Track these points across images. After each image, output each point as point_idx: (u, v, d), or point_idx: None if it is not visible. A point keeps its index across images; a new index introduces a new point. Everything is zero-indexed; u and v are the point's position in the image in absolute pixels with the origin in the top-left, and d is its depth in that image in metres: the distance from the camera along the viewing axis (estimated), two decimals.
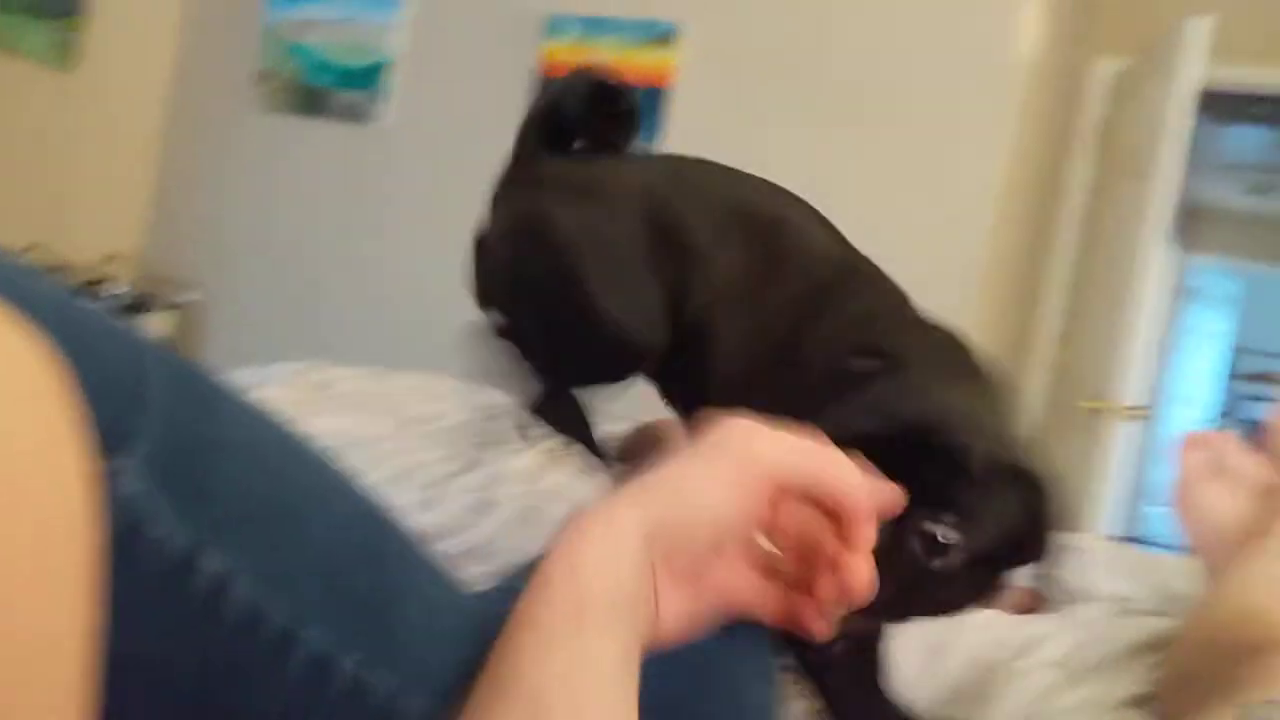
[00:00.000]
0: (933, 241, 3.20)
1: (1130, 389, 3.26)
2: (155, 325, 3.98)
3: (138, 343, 0.49)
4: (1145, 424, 7.39)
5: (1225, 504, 1.15)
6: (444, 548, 1.12)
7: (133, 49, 4.12)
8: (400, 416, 1.59)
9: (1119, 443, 3.33)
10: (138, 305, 3.93)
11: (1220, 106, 5.14)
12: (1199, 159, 6.55)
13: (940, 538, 0.68)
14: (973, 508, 0.69)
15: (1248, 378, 9.40)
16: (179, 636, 0.46)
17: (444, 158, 3.78)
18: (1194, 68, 3.11)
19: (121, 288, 3.90)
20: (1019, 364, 4.12)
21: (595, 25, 3.55)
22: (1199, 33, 3.10)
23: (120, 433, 0.44)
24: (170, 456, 0.47)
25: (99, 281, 3.88)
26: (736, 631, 0.69)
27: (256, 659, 0.48)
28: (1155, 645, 1.08)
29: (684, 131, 3.46)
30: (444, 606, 0.56)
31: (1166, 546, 1.28)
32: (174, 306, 4.07)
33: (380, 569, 0.54)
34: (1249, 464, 1.18)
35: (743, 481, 0.59)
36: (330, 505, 0.54)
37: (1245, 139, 6.35)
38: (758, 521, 0.61)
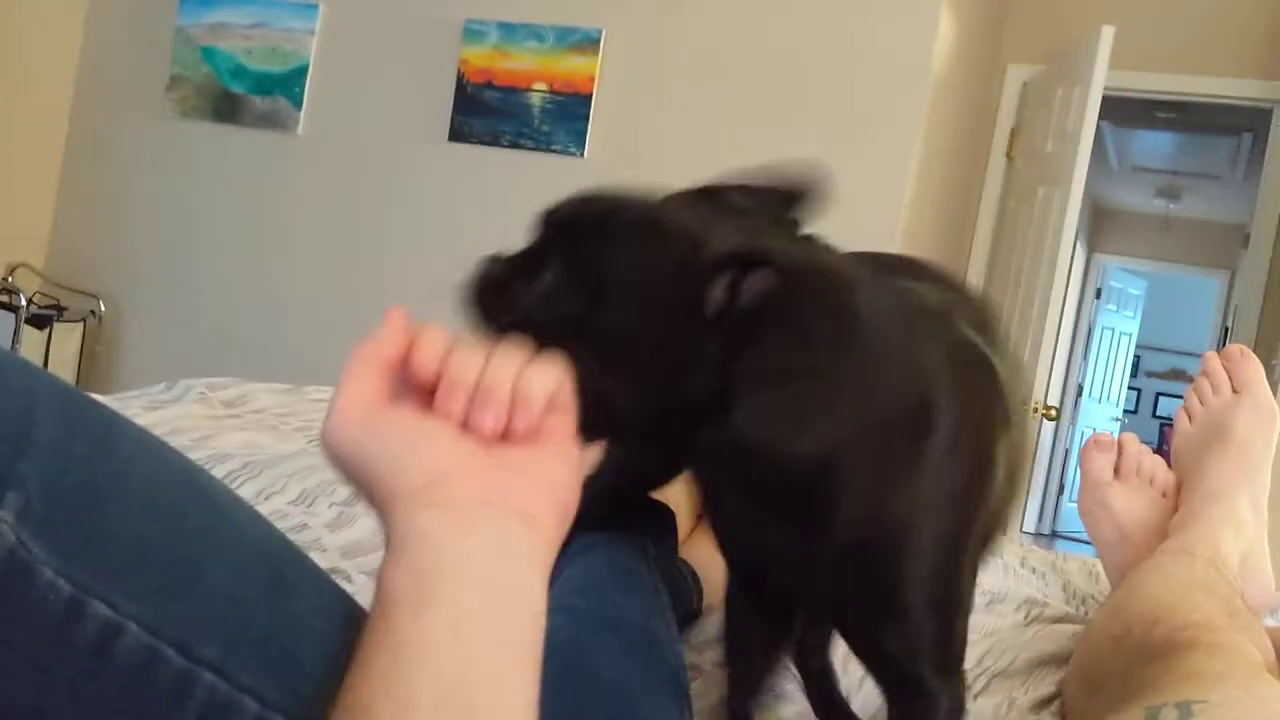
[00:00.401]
0: (847, 244, 3.23)
1: (1047, 388, 3.32)
2: (62, 337, 3.87)
3: (28, 380, 0.47)
4: (1060, 422, 7.58)
5: (1129, 505, 1.17)
6: (354, 566, 1.10)
7: (36, 54, 4.00)
8: (311, 434, 1.56)
9: (1039, 442, 3.39)
10: (43, 317, 3.82)
11: (1127, 113, 5.29)
12: (1107, 164, 6.74)
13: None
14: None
15: (1158, 375, 9.69)
16: (69, 686, 0.45)
17: (359, 165, 3.73)
18: (1101, 75, 3.19)
19: (26, 299, 3.78)
20: None
21: (512, 31, 3.53)
22: (1105, 41, 3.18)
23: (1, 480, 0.43)
24: (58, 500, 0.45)
25: (3, 293, 3.76)
26: (649, 653, 0.68)
27: (152, 706, 0.47)
28: (1061, 656, 1.09)
29: (607, 137, 3.46)
30: (349, 643, 0.55)
31: (1086, 541, 1.30)
32: (81, 318, 3.96)
33: (282, 609, 0.52)
34: (1152, 465, 1.21)
35: None
36: (230, 545, 0.52)
37: (1152, 144, 6.53)
38: None
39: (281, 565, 0.55)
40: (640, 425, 0.60)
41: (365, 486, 0.55)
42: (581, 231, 0.60)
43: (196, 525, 0.51)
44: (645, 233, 0.60)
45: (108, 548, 0.46)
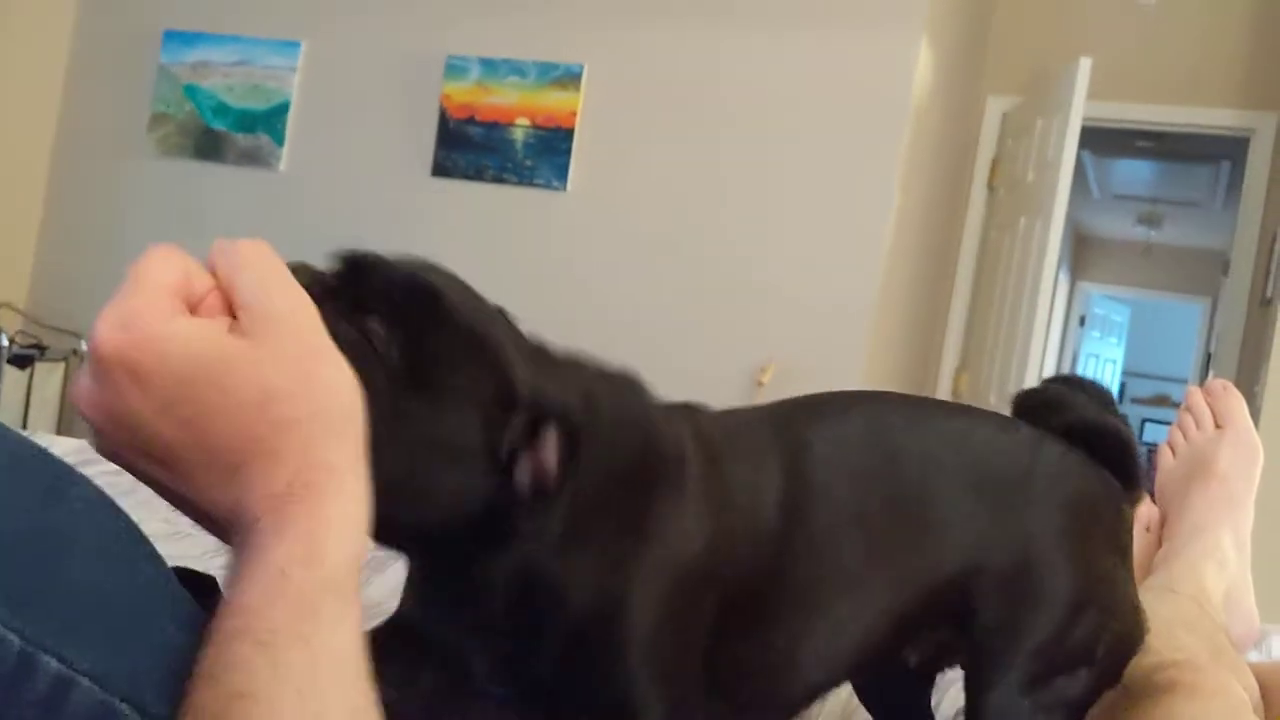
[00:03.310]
0: (829, 276, 3.25)
1: None
2: (44, 377, 3.84)
3: None
4: None
5: None
6: None
7: (18, 92, 4.00)
8: None
9: None
10: (25, 357, 3.79)
11: (1106, 142, 5.34)
12: (1088, 192, 6.79)
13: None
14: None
15: (1144, 401, 9.72)
16: None
17: (342, 201, 3.73)
18: (1079, 105, 3.22)
19: (8, 339, 3.76)
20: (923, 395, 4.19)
21: (494, 67, 3.54)
22: (1083, 72, 3.21)
23: None
24: (5, 554, 0.44)
25: None
26: None
27: None
28: None
29: (589, 171, 3.47)
30: None
31: None
32: (63, 357, 3.94)
33: None
34: None
35: None
36: (180, 600, 0.51)
37: (1132, 172, 6.59)
38: None
39: None
40: (419, 526, 0.58)
41: None
42: (417, 302, 0.57)
43: (146, 579, 0.50)
44: (474, 341, 0.57)
45: (58, 601, 0.45)
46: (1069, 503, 0.76)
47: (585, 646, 0.62)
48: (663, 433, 0.65)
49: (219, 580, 0.60)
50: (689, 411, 0.71)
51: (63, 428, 3.74)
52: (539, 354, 0.62)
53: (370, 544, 0.51)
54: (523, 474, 0.56)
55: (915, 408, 0.82)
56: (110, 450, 0.49)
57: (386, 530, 0.53)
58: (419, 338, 0.55)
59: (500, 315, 0.62)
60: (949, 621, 0.74)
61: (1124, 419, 0.86)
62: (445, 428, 0.55)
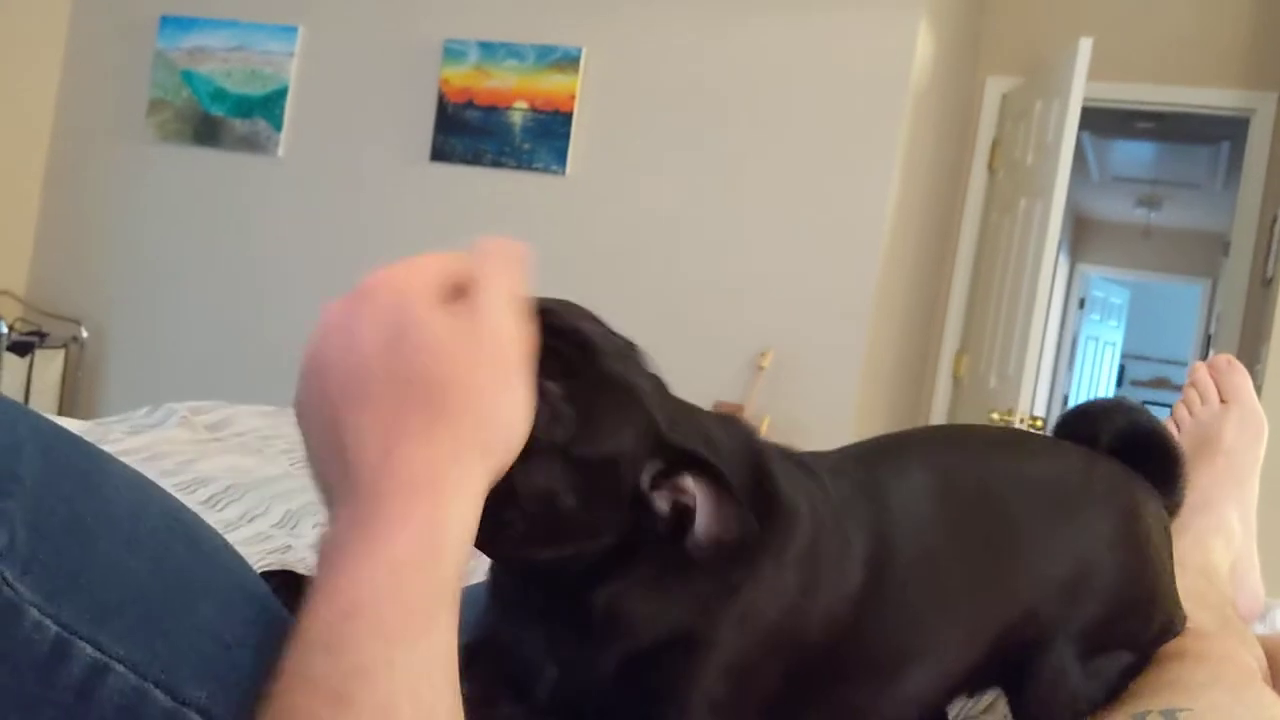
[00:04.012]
0: (829, 260, 3.25)
1: (1032, 399, 3.33)
2: (44, 364, 3.84)
3: (11, 416, 0.46)
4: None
5: None
6: None
7: (16, 79, 3.99)
8: (296, 456, 1.55)
9: None
10: (25, 344, 3.79)
11: (1106, 123, 5.33)
12: (1087, 174, 6.79)
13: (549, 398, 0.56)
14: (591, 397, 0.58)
15: (1144, 384, 9.73)
16: None
17: (341, 186, 3.72)
18: (1079, 86, 3.21)
19: (8, 326, 3.76)
20: (922, 378, 4.19)
21: (493, 50, 3.53)
22: (1083, 53, 3.19)
23: None
24: (44, 539, 0.44)
25: None
26: None
27: None
28: None
29: (588, 154, 3.46)
30: None
31: None
32: (63, 345, 3.94)
33: (266, 648, 0.52)
34: None
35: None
36: (216, 583, 0.52)
37: (1132, 154, 6.58)
38: None
39: (265, 603, 0.54)
40: (536, 553, 0.60)
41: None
42: (580, 354, 0.59)
43: (182, 563, 0.50)
44: (624, 392, 0.60)
45: (94, 587, 0.45)
46: (1120, 512, 0.82)
47: (649, 685, 0.62)
48: (777, 485, 0.66)
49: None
50: (795, 460, 0.71)
51: (63, 415, 3.74)
52: (664, 394, 0.64)
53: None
54: (662, 503, 0.59)
55: (974, 445, 0.85)
56: (310, 379, 0.52)
57: (518, 549, 0.58)
58: (579, 392, 0.57)
59: (633, 350, 0.64)
60: (1019, 654, 0.76)
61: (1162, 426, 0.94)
62: (597, 470, 0.57)
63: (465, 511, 0.49)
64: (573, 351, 0.59)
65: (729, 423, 0.67)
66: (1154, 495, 0.86)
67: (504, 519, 0.54)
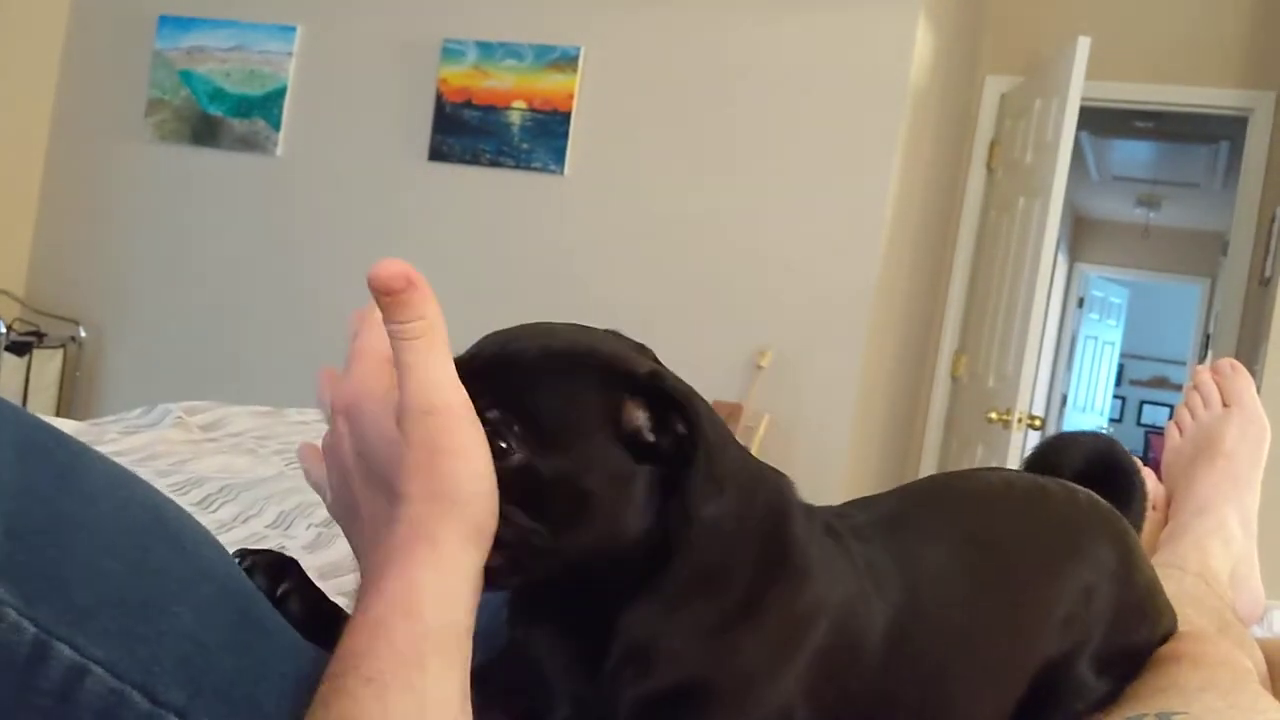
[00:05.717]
0: (828, 258, 3.25)
1: (1031, 398, 3.32)
2: (42, 364, 3.84)
3: None
4: (1045, 433, 7.59)
5: None
6: (332, 588, 1.08)
7: (14, 79, 3.98)
8: (290, 456, 1.55)
9: (1023, 450, 3.39)
10: (23, 344, 3.79)
11: (1105, 123, 5.33)
12: (1086, 173, 6.78)
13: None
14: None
15: (1142, 383, 9.72)
16: None
17: (339, 186, 3.72)
18: (1078, 86, 3.20)
19: (6, 326, 3.75)
20: (921, 378, 4.19)
21: (491, 50, 3.53)
22: (1082, 52, 3.19)
23: None
24: (22, 541, 0.44)
25: None
26: None
27: None
28: None
29: (586, 154, 3.45)
30: (315, 681, 0.54)
31: None
32: (61, 344, 3.93)
33: (248, 651, 0.51)
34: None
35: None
36: (195, 585, 0.51)
37: (1131, 153, 6.57)
38: None
39: (247, 604, 0.54)
40: (563, 569, 0.60)
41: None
42: (509, 376, 0.60)
43: (162, 563, 0.50)
44: (569, 362, 0.61)
45: (72, 588, 0.45)
46: (1112, 539, 0.84)
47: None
48: (796, 535, 0.66)
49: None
50: (826, 518, 0.71)
51: (61, 415, 3.73)
52: (626, 345, 0.65)
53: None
54: (664, 440, 0.60)
55: (973, 502, 0.85)
56: (331, 469, 0.59)
57: (550, 565, 0.59)
58: (523, 411, 0.59)
59: (610, 335, 0.66)
60: (1042, 696, 0.78)
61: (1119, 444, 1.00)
62: (586, 462, 0.59)
63: (440, 575, 0.52)
64: (496, 370, 0.60)
65: (766, 475, 0.67)
66: (1121, 513, 0.89)
67: (531, 544, 0.57)
